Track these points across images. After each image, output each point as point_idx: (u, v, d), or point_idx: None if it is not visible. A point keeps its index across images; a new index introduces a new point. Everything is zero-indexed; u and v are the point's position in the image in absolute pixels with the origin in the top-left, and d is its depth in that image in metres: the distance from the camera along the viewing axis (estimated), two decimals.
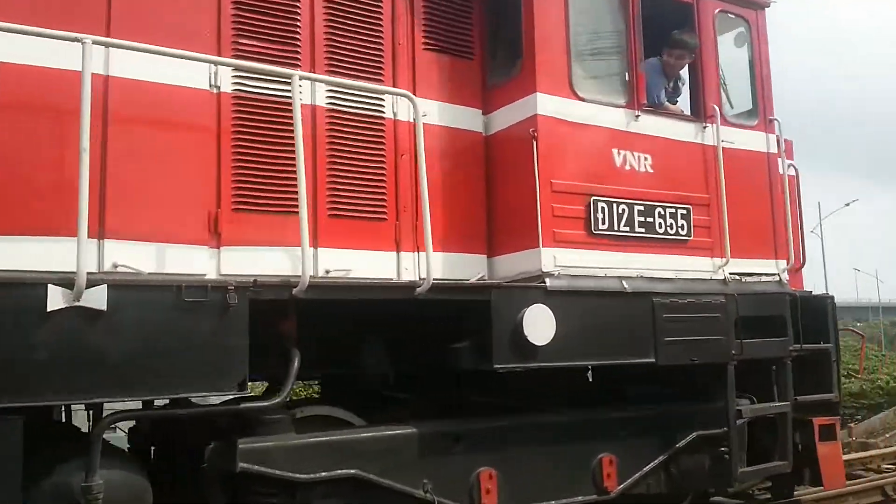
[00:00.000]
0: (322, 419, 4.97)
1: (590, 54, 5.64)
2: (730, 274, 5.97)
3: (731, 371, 5.78)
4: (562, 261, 5.18)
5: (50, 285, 3.50)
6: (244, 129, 4.60)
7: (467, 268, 5.40)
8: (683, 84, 6.32)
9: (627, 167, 5.59)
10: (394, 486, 4.69)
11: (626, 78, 5.70)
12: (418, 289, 4.58)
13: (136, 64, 4.26)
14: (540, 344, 4.90)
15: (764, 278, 6.20)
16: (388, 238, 5.05)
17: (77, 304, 3.53)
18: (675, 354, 5.53)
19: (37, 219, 3.92)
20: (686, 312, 5.60)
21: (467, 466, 4.98)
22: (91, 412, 4.89)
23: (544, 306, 4.96)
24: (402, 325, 5.10)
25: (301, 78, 4.37)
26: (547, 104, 5.25)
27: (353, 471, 4.58)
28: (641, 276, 5.52)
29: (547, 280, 5.07)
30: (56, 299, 3.50)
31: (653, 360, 5.44)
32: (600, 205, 5.37)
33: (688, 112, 6.20)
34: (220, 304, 3.94)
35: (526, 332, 4.85)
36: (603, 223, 5.37)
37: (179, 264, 4.31)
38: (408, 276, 5.07)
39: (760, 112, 6.45)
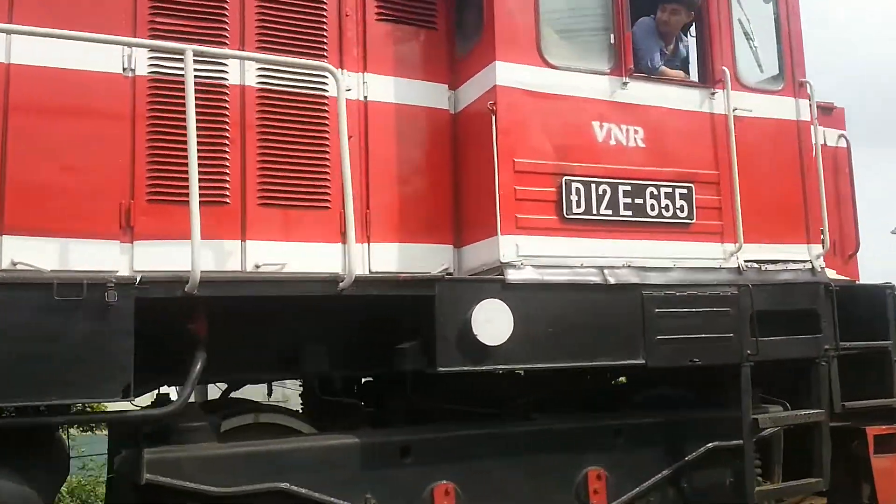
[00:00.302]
0: (270, 427, 4.58)
1: (566, 15, 4.99)
2: (745, 262, 5.15)
3: (745, 374, 4.98)
4: (527, 250, 4.57)
5: None
6: (160, 114, 4.26)
7: (431, 259, 4.88)
8: (686, 46, 5.52)
9: (612, 142, 4.90)
10: (329, 502, 4.22)
11: (612, 41, 4.99)
12: (341, 283, 4.09)
13: (40, 49, 3.99)
14: (492, 344, 4.33)
15: (791, 266, 5.32)
16: (332, 228, 4.58)
17: None
18: (670, 355, 4.80)
19: None
20: (686, 307, 4.86)
21: (419, 481, 4.46)
22: None
23: (499, 301, 4.37)
24: (349, 323, 4.64)
25: (196, 53, 3.95)
26: (508, 74, 4.65)
27: (282, 484, 4.14)
28: (629, 266, 4.82)
29: (507, 272, 4.47)
30: None
31: (642, 361, 4.73)
32: (574, 185, 4.71)
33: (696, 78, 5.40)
34: (100, 303, 3.60)
35: (475, 331, 4.28)
36: (578, 206, 4.71)
37: (87, 261, 4.01)
38: (356, 269, 4.57)
39: (788, 74, 5.57)
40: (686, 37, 5.62)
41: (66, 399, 3.60)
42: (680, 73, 5.37)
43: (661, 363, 4.79)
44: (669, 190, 4.98)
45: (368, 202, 4.73)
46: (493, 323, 4.34)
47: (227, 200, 4.35)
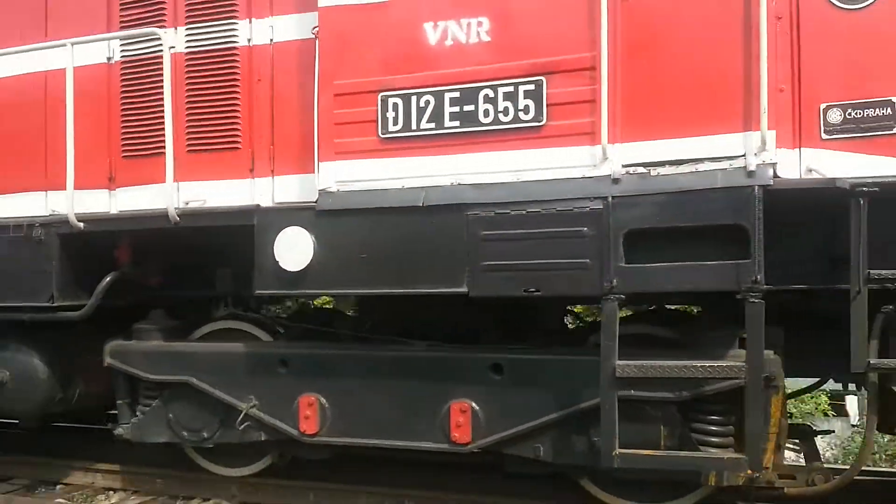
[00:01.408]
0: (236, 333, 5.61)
1: None
2: (624, 166, 3.98)
3: (610, 309, 3.96)
4: (344, 175, 4.53)
5: None
6: (127, 92, 5.48)
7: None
8: None
9: (449, 42, 4.34)
10: (221, 396, 5.13)
11: None
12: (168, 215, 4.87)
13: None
14: (292, 269, 4.55)
15: (705, 166, 3.85)
16: (243, 166, 5.23)
17: None
18: (499, 284, 4.18)
19: None
20: (521, 228, 4.12)
21: (292, 390, 4.98)
22: None
23: (300, 228, 4.56)
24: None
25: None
26: None
27: (186, 377, 5.22)
28: (459, 184, 4.29)
29: (320, 199, 4.56)
30: None
31: (464, 290, 4.24)
32: (391, 101, 4.40)
33: None
34: (32, 239, 5.20)
35: (277, 257, 4.58)
36: (395, 123, 4.40)
37: (90, 206, 5.59)
38: (263, 201, 5.18)
39: None
40: None
41: (10, 303, 5.30)
42: None
43: (487, 293, 4.20)
44: (510, 89, 4.16)
45: (273, 139, 5.17)
46: (293, 250, 4.54)
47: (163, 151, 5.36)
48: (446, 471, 5.51)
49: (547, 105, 4.11)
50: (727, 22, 3.89)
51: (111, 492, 6.21)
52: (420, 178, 4.35)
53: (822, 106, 4.12)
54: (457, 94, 4.27)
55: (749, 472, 3.90)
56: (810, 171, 4.09)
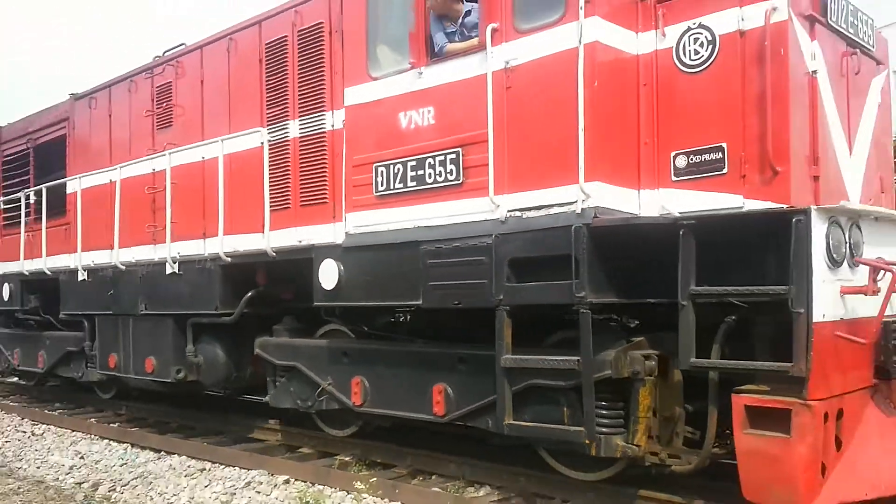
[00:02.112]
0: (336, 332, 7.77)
1: (386, 23, 6.31)
2: (510, 211, 5.40)
3: (499, 318, 5.43)
4: (357, 222, 6.47)
5: None
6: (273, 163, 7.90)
7: None
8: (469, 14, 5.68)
9: (412, 126, 6.07)
10: (310, 375, 7.34)
11: (408, 40, 6.07)
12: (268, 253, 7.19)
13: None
14: (328, 288, 6.59)
15: (553, 210, 5.13)
16: (329, 214, 7.23)
17: None
18: (438, 298, 5.82)
19: None
20: (450, 257, 5.73)
21: (349, 373, 7.00)
22: None
23: (331, 260, 6.58)
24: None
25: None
26: (350, 97, 6.54)
27: (295, 363, 7.52)
28: (417, 227, 5.99)
29: (344, 239, 6.56)
30: None
31: (419, 302, 5.95)
32: (380, 169, 6.24)
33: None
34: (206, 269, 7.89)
35: (320, 280, 6.66)
36: (382, 185, 6.23)
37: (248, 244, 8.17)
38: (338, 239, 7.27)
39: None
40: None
41: (196, 310, 8.02)
42: (470, 43, 5.72)
43: (433, 304, 5.85)
44: (442, 157, 5.78)
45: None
46: (328, 275, 6.58)
47: (289, 205, 7.62)
48: (453, 440, 7.14)
49: (463, 168, 5.66)
50: (562, 105, 5.11)
51: (478, 485, 6.63)
52: (395, 223, 6.13)
53: (673, 153, 5.14)
54: (414, 163, 5.98)
55: (622, 447, 5.06)
56: (663, 208, 5.13)
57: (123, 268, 9.18)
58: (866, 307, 4.83)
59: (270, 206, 7.44)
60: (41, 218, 11.01)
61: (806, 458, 4.41)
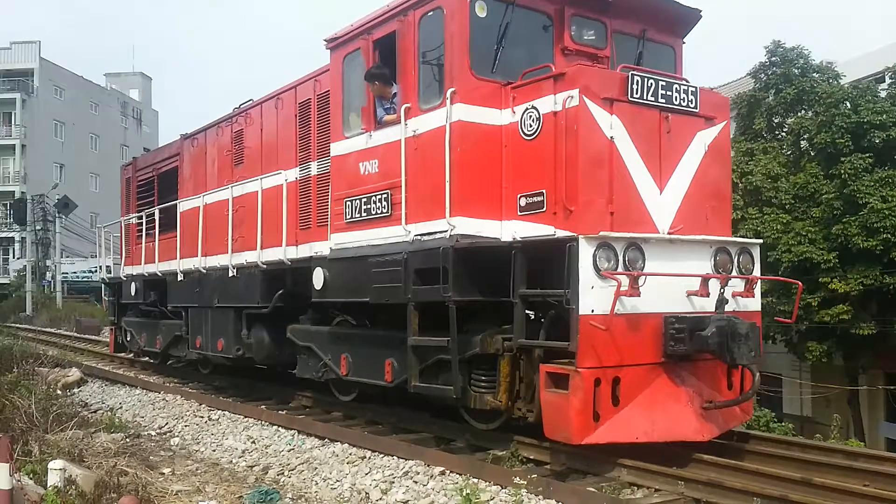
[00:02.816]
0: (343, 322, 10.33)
1: (352, 106, 8.79)
2: (417, 235, 7.72)
3: (409, 310, 7.77)
4: (336, 241, 8.98)
5: None
6: (301, 191, 10.67)
7: None
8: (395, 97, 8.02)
9: (366, 173, 8.52)
10: (318, 353, 9.93)
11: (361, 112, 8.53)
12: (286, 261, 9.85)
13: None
14: (318, 288, 9.15)
15: (437, 235, 7.41)
16: (324, 234, 9.93)
17: None
18: (377, 295, 8.24)
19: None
20: (383, 267, 8.12)
21: (339, 351, 9.52)
22: None
23: (319, 268, 9.13)
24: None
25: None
26: (334, 149, 9.06)
27: (310, 344, 10.14)
28: (367, 245, 8.42)
29: (328, 252, 9.09)
30: None
31: (368, 299, 8.37)
32: (347, 202, 8.73)
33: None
34: (253, 274, 10.70)
35: (314, 282, 9.23)
36: (349, 214, 8.71)
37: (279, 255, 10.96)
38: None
39: (443, 90, 7.40)
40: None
41: (245, 304, 10.83)
42: (394, 116, 8.06)
43: (375, 300, 8.26)
44: (379, 196, 8.19)
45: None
46: (317, 279, 9.13)
47: (310, 226, 10.24)
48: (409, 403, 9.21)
49: (391, 204, 8.03)
50: (439, 163, 7.36)
51: (635, 487, 6.69)
52: (356, 242, 8.58)
53: (518, 195, 7.30)
54: (366, 199, 8.42)
55: (491, 402, 7.28)
56: (513, 234, 7.29)
57: (205, 271, 12.18)
58: (647, 305, 6.78)
59: (300, 225, 10.05)
60: (159, 231, 14.33)
61: (578, 408, 6.47)
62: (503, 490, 6.80)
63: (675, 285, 7.03)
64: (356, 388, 9.78)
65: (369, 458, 8.30)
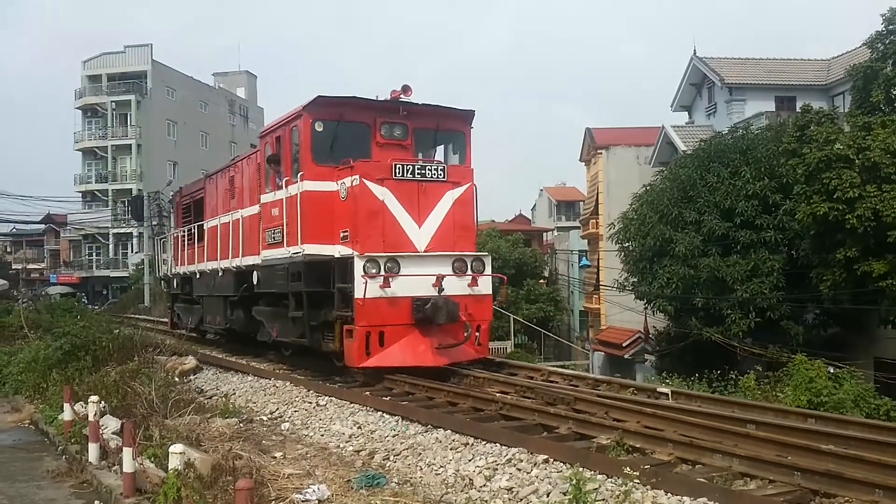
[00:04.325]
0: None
1: (269, 172, 14.60)
2: (292, 254, 13.47)
3: (291, 297, 13.58)
4: (263, 256, 14.91)
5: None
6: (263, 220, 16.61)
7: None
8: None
9: (274, 215, 14.39)
10: (266, 325, 15.84)
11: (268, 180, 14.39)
12: (240, 267, 15.85)
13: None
14: (255, 283, 15.15)
15: (298, 254, 13.19)
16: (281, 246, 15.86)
17: None
18: (278, 288, 14.14)
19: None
20: (278, 272, 14.04)
21: (273, 323, 15.39)
22: None
23: (255, 272, 15.12)
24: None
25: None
26: (263, 199, 14.95)
27: (262, 320, 16.11)
28: (273, 258, 14.30)
29: (260, 262, 14.99)
30: None
31: (275, 290, 14.21)
32: (267, 232, 14.64)
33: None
34: (231, 274, 16.77)
35: (253, 280, 15.22)
36: (268, 240, 14.63)
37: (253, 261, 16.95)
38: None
39: (298, 172, 13.14)
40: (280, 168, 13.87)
41: (226, 294, 16.91)
42: (279, 184, 13.81)
43: (280, 291, 14.13)
44: (276, 230, 14.05)
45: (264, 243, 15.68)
46: (255, 278, 15.19)
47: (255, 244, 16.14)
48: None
49: (283, 235, 13.81)
50: (297, 213, 13.07)
51: (748, 478, 6.61)
52: (269, 257, 14.43)
53: (340, 232, 12.96)
54: (273, 230, 14.33)
55: (333, 349, 13.05)
56: (336, 254, 12.95)
57: (209, 271, 18.34)
58: (403, 291, 12.34)
59: (251, 244, 15.96)
60: (193, 242, 20.58)
61: (357, 347, 12.28)
62: (609, 479, 6.82)
63: (423, 280, 12.51)
64: (290, 347, 15.55)
65: (472, 444, 8.46)
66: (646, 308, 29.00)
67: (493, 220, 64.31)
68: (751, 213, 23.85)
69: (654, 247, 25.30)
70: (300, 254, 13.09)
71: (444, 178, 12.96)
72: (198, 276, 19.55)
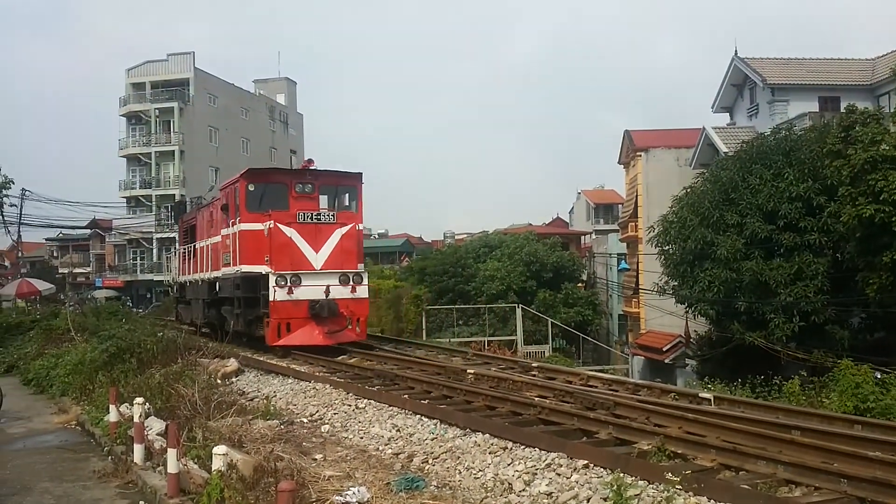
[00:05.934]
0: None
1: (226, 212, 19.38)
2: (236, 271, 19.98)
3: (235, 300, 20.36)
4: (222, 272, 21.66)
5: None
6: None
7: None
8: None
9: (228, 243, 21.25)
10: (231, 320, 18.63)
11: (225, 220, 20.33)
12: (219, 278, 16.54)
13: None
14: (217, 291, 22.21)
15: (236, 272, 19.74)
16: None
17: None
18: (230, 293, 20.82)
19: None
20: (228, 283, 20.86)
21: (237, 317, 21.14)
22: None
23: (217, 282, 21.95)
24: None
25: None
26: (222, 232, 20.90)
27: (227, 316, 17.56)
28: (225, 274, 21.08)
29: (220, 275, 20.62)
30: None
31: (228, 295, 20.60)
32: (223, 255, 21.08)
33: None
34: (207, 284, 17.46)
35: (216, 289, 22.17)
36: (222, 261, 21.36)
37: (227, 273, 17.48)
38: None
39: (237, 217, 19.63)
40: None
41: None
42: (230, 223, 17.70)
43: (228, 295, 20.16)
44: (227, 254, 20.90)
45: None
46: (216, 287, 21.96)
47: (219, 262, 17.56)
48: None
49: (232, 258, 20.61)
50: (238, 245, 18.34)
51: (793, 485, 6.52)
52: (223, 273, 21.05)
53: (264, 257, 19.08)
54: (227, 255, 20.95)
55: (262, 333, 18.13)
56: (262, 272, 17.50)
57: (198, 281, 25.04)
58: (304, 295, 18.68)
59: (216, 262, 18.62)
60: (188, 258, 26.89)
61: (271, 333, 18.85)
62: (651, 485, 6.68)
63: (317, 288, 18.82)
64: (242, 335, 21.24)
65: (511, 448, 8.32)
66: (686, 312, 28.62)
67: (531, 224, 64.06)
68: (794, 215, 23.47)
69: (694, 250, 25.05)
70: (239, 271, 19.66)
71: (334, 220, 19.51)
72: (189, 284, 26.18)
